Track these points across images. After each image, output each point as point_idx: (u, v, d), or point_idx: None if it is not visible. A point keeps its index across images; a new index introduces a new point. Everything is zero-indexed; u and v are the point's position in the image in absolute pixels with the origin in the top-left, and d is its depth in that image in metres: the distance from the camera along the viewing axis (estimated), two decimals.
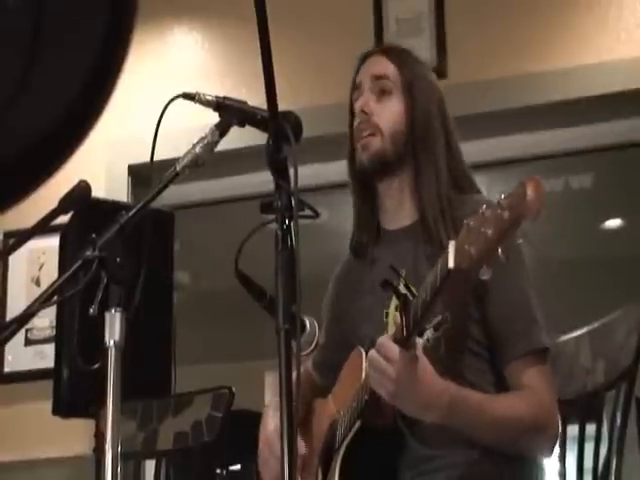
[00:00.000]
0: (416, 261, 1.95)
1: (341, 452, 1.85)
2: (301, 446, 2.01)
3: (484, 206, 1.50)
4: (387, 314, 1.95)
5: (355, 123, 2.04)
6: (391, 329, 1.90)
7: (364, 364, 1.87)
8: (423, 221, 1.96)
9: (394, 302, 1.90)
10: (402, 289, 1.70)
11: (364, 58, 2.12)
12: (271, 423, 2.02)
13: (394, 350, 1.68)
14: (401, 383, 1.69)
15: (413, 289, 1.73)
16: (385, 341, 1.71)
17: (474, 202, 1.93)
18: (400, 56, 2.08)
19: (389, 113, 2.01)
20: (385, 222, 2.06)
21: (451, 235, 1.87)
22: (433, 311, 1.70)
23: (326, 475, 1.92)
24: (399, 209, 2.03)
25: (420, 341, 1.73)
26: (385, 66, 2.05)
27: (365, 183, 2.05)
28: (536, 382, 1.84)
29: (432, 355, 1.76)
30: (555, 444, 1.91)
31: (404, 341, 1.68)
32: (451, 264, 1.52)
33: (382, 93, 2.03)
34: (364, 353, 1.90)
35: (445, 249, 1.55)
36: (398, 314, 1.69)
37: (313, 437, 2.04)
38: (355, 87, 2.08)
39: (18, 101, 0.56)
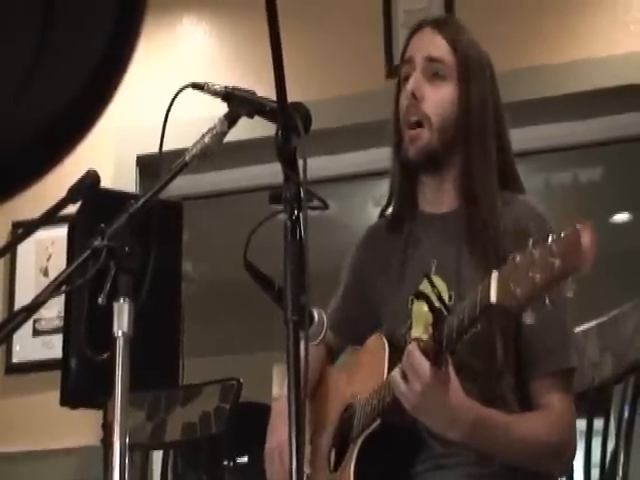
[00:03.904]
0: (451, 254, 1.91)
1: (358, 444, 1.84)
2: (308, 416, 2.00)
3: (531, 241, 1.44)
4: (412, 301, 1.91)
5: (403, 105, 1.95)
6: (415, 321, 1.88)
7: (386, 357, 1.85)
8: (472, 216, 1.89)
9: (426, 284, 1.85)
10: (435, 300, 1.65)
11: (415, 30, 2.00)
12: (282, 431, 2.01)
13: (424, 366, 1.64)
14: (426, 399, 1.66)
15: (440, 286, 1.71)
16: (415, 354, 1.66)
17: (520, 204, 1.91)
18: (454, 34, 1.96)
19: (440, 100, 1.92)
20: (424, 204, 2.00)
21: (497, 237, 1.84)
22: (469, 331, 1.65)
23: (339, 461, 1.92)
24: (440, 197, 1.97)
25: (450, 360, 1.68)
26: (439, 47, 1.94)
27: (409, 171, 1.98)
28: (558, 403, 1.82)
29: (456, 359, 1.73)
30: (569, 464, 1.90)
31: (435, 358, 1.64)
32: (493, 299, 1.50)
33: (435, 76, 1.93)
34: (386, 343, 1.88)
35: (488, 278, 1.52)
36: (431, 328, 1.65)
37: (325, 414, 2.02)
38: (405, 61, 1.98)
39: (26, 91, 0.56)
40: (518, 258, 1.46)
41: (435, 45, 1.95)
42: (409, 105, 1.93)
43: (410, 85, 1.93)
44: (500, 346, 1.84)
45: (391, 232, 2.04)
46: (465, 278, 1.87)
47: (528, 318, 1.46)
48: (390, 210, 2.05)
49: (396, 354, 1.82)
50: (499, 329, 1.84)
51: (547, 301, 1.42)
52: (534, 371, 1.85)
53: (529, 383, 1.86)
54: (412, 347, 1.68)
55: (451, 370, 1.68)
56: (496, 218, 1.87)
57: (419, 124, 1.92)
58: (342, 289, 2.14)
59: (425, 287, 1.81)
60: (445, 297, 1.85)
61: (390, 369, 1.80)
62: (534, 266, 1.42)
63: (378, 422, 1.81)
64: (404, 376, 1.68)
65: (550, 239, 1.41)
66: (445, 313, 1.64)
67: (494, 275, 1.51)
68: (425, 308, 1.78)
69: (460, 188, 1.95)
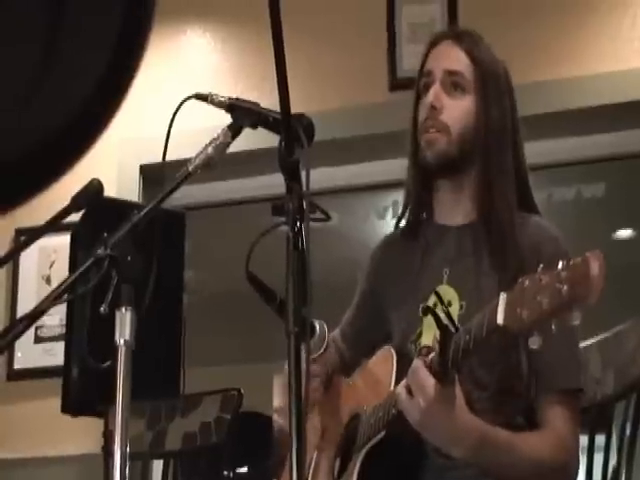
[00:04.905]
0: (464, 265, 1.92)
1: (361, 455, 1.84)
2: (316, 424, 2.00)
3: (541, 267, 1.45)
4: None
5: (422, 115, 1.96)
6: (426, 328, 1.88)
7: (393, 369, 1.85)
8: (489, 227, 1.91)
9: (433, 299, 1.86)
10: (444, 318, 1.65)
11: (434, 42, 2.02)
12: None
13: (429, 383, 1.64)
14: (431, 415, 1.65)
15: (450, 295, 1.70)
16: (420, 370, 1.66)
17: (534, 226, 1.91)
18: (473, 47, 1.97)
19: (460, 112, 1.94)
20: (439, 215, 2.01)
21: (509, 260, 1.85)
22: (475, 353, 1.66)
23: (343, 469, 1.92)
24: (456, 205, 1.98)
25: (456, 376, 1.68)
26: (459, 59, 1.96)
27: (425, 176, 1.98)
28: (561, 423, 1.82)
29: (467, 375, 1.74)
30: None
31: (441, 375, 1.64)
32: (500, 321, 1.50)
33: (454, 89, 1.95)
34: (395, 355, 1.88)
35: (496, 299, 1.52)
36: (438, 344, 1.65)
37: (333, 422, 2.03)
38: (424, 73, 1.99)
39: (32, 100, 0.56)
40: (527, 282, 1.47)
41: (454, 58, 1.97)
42: (428, 116, 1.94)
43: (430, 97, 1.95)
44: (506, 362, 1.85)
45: (407, 241, 2.04)
46: (484, 289, 1.87)
47: (534, 343, 1.46)
48: (405, 219, 2.05)
49: (404, 365, 1.82)
50: (509, 346, 1.84)
51: (553, 327, 1.43)
52: (541, 388, 1.85)
53: (536, 400, 1.86)
54: (418, 363, 1.67)
55: (457, 388, 1.67)
56: (514, 232, 1.88)
57: (438, 132, 1.93)
58: (357, 299, 2.14)
59: (434, 302, 1.82)
60: (456, 306, 1.86)
61: (397, 381, 1.81)
62: (542, 291, 1.42)
63: (382, 434, 1.81)
64: (409, 391, 1.67)
65: (560, 265, 1.42)
66: (453, 330, 1.63)
67: (502, 297, 1.51)
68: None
69: (477, 201, 1.95)
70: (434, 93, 1.94)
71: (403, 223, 2.07)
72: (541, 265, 1.46)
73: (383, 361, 1.92)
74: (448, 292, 1.89)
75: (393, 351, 1.90)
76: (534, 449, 1.78)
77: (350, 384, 2.07)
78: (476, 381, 1.83)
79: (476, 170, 1.94)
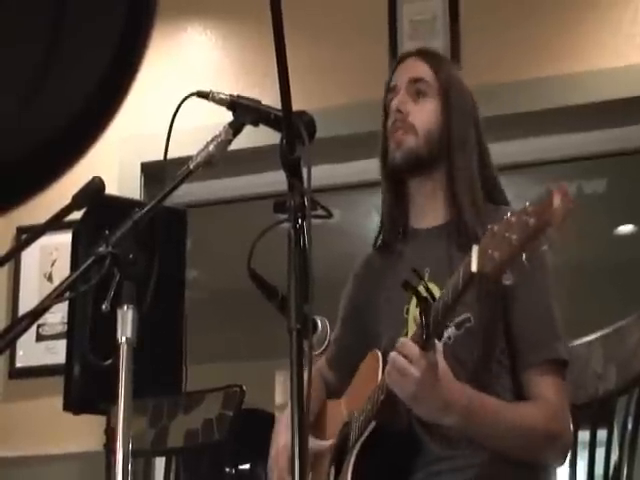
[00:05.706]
0: (443, 261, 1.95)
1: (355, 451, 1.85)
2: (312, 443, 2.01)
3: (509, 212, 1.52)
4: (407, 310, 1.95)
5: (389, 122, 2.04)
6: (411, 326, 1.91)
7: (380, 366, 1.87)
8: (459, 224, 1.96)
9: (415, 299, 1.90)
10: (423, 291, 1.70)
11: (400, 60, 2.13)
12: (283, 437, 2.01)
13: (415, 351, 1.69)
14: (422, 385, 1.69)
15: (434, 291, 1.74)
16: (407, 341, 1.72)
17: (502, 214, 1.95)
18: (436, 59, 2.10)
19: (425, 113, 2.02)
20: (414, 220, 2.07)
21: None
22: (455, 312, 1.73)
23: (338, 474, 1.92)
24: (430, 207, 2.03)
25: (439, 344, 1.73)
26: (422, 69, 2.06)
27: (397, 180, 2.06)
28: (551, 393, 1.85)
29: (451, 356, 1.78)
30: (567, 454, 1.91)
31: (424, 343, 1.69)
32: (474, 268, 1.55)
33: (418, 95, 2.04)
34: (381, 356, 1.91)
35: (469, 253, 1.57)
36: (418, 315, 1.70)
37: (325, 437, 2.04)
38: (390, 89, 2.09)
39: (33, 100, 0.56)
40: (496, 227, 1.53)
41: (418, 68, 2.06)
42: (395, 121, 2.03)
43: (394, 103, 2.04)
44: (489, 341, 1.87)
45: (384, 253, 2.10)
46: None
47: (508, 279, 1.51)
48: (382, 235, 2.11)
49: None
50: (489, 324, 1.88)
51: (524, 260, 1.48)
52: (524, 363, 1.88)
53: (521, 376, 1.88)
54: (403, 338, 1.74)
55: (440, 354, 1.71)
56: (482, 226, 1.91)
57: (405, 133, 2.01)
58: (340, 318, 2.18)
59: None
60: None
61: None
62: (511, 228, 1.50)
63: (373, 425, 1.82)
64: (398, 369, 1.71)
65: (527, 203, 1.49)
66: (431, 301, 1.68)
67: (474, 249, 1.57)
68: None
69: (448, 201, 2.01)
70: (399, 99, 2.04)
71: (380, 239, 2.12)
72: (509, 212, 1.52)
73: (370, 364, 1.96)
74: (431, 287, 1.91)
75: (379, 353, 1.93)
76: (525, 417, 1.81)
77: (340, 399, 2.08)
78: (459, 361, 1.86)
79: (443, 172, 2.01)
